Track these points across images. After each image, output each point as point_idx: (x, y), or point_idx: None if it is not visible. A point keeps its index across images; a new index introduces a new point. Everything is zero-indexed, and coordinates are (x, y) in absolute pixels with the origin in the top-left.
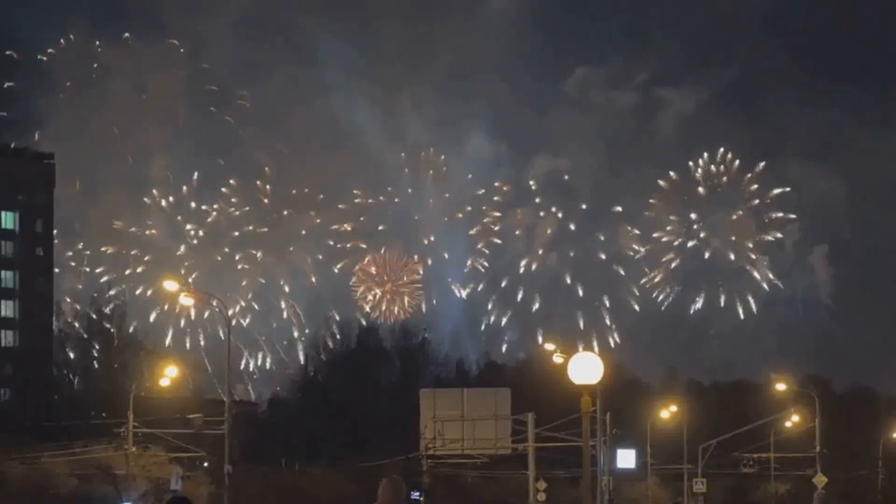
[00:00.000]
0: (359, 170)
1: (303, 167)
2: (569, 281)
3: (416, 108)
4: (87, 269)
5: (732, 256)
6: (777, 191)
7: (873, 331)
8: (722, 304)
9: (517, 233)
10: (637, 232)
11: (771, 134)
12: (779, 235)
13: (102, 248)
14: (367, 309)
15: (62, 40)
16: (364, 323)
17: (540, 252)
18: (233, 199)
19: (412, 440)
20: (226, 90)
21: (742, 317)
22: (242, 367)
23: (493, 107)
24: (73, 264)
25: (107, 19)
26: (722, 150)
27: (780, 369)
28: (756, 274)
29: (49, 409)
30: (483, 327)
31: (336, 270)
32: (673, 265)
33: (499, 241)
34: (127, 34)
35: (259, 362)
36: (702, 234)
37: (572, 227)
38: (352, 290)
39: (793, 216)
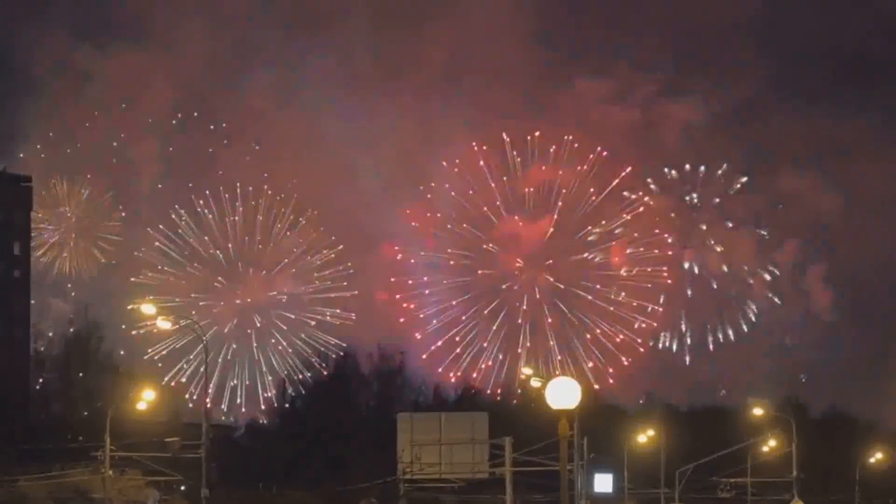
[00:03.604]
0: (346, 181)
1: (289, 181)
2: (552, 300)
3: (409, 119)
4: (67, 290)
5: (727, 279)
6: (773, 208)
7: (851, 354)
8: (714, 336)
9: (503, 248)
10: (631, 251)
11: (767, 150)
12: (774, 255)
13: (84, 266)
14: None
15: (48, 51)
16: (341, 345)
17: (524, 270)
18: (220, 216)
19: (390, 464)
20: (212, 100)
21: (733, 338)
22: (222, 387)
23: (486, 115)
24: (51, 284)
25: (89, 27)
26: (718, 163)
27: (757, 393)
28: (749, 297)
29: (27, 431)
30: (462, 350)
31: (315, 288)
32: (665, 284)
33: (484, 257)
34: (112, 44)
35: (238, 378)
36: (696, 253)
37: (563, 241)
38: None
39: (784, 235)
